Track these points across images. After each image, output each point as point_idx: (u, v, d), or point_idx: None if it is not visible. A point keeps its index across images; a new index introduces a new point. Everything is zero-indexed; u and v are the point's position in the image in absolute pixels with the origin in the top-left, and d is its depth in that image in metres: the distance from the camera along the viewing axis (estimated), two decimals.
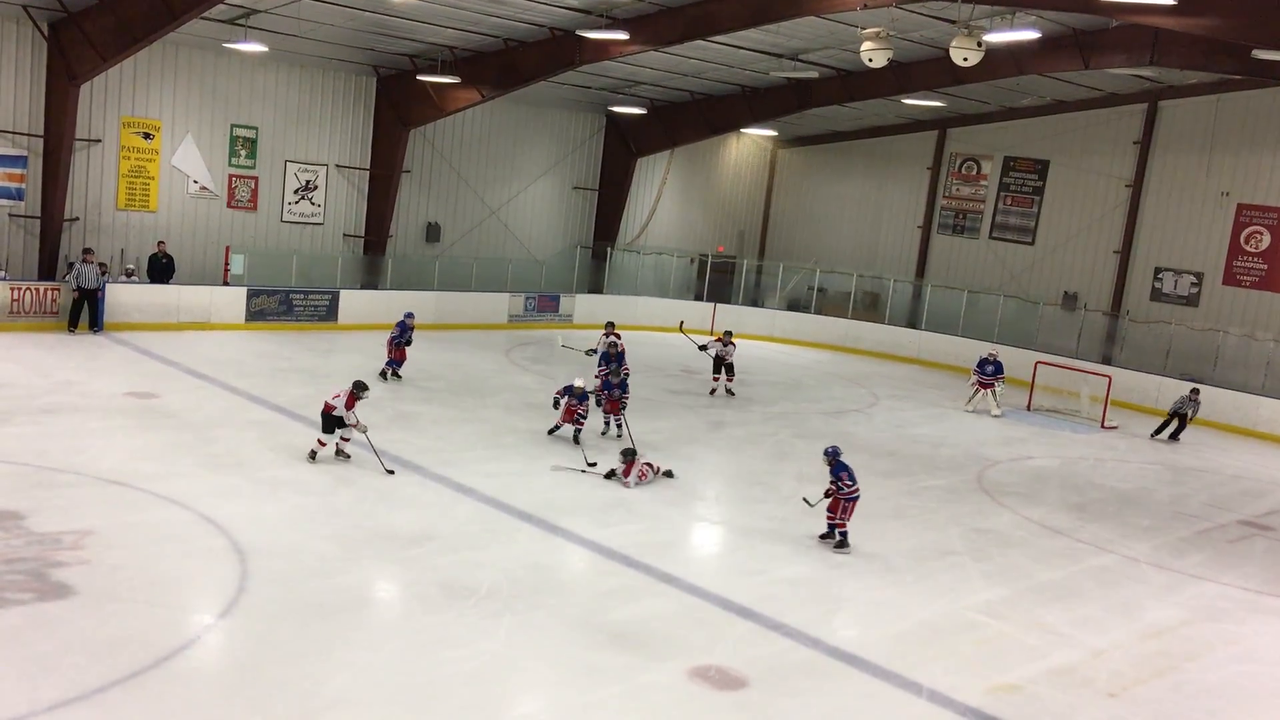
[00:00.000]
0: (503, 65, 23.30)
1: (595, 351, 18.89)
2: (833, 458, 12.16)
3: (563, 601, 9.98)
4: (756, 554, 11.95)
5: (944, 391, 23.45)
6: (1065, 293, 28.33)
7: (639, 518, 12.50)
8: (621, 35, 20.34)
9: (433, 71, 23.35)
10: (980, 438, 19.23)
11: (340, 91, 25.34)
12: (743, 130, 32.37)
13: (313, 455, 13.31)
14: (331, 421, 13.28)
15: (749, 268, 31.33)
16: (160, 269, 22.03)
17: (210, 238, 23.93)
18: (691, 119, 29.13)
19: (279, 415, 15.42)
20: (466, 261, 27.14)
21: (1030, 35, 18.34)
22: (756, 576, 11.23)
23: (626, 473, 13.62)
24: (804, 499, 12.72)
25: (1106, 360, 25.23)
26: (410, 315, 18.86)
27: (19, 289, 19.62)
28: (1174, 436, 20.70)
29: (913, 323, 28.78)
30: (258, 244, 24.36)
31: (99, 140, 22.08)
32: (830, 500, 12.11)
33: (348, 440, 13.46)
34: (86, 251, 20.39)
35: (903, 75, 24.39)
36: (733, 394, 20.44)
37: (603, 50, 21.48)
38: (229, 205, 24.23)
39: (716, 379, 20.60)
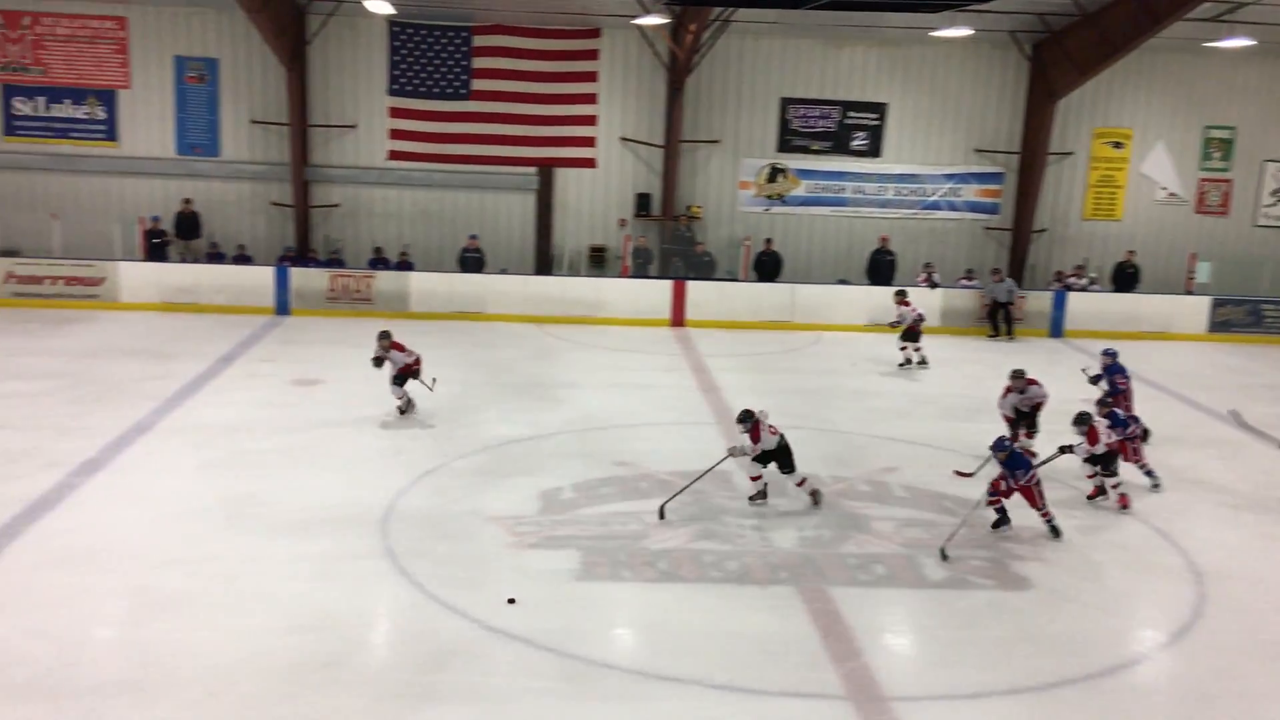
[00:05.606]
0: None
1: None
2: None
3: None
4: None
5: None
6: None
7: None
8: None
9: None
10: None
11: None
12: None
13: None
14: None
15: None
16: (1126, 279, 22.16)
17: (1175, 245, 23.23)
18: None
19: (1243, 436, 14.27)
20: None
21: None
22: None
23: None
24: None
25: None
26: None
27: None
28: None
29: None
30: (1225, 250, 22.91)
31: (1070, 153, 22.82)
32: None
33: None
34: (994, 272, 21.32)
35: None
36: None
37: None
38: (1197, 210, 23.26)
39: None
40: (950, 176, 23.01)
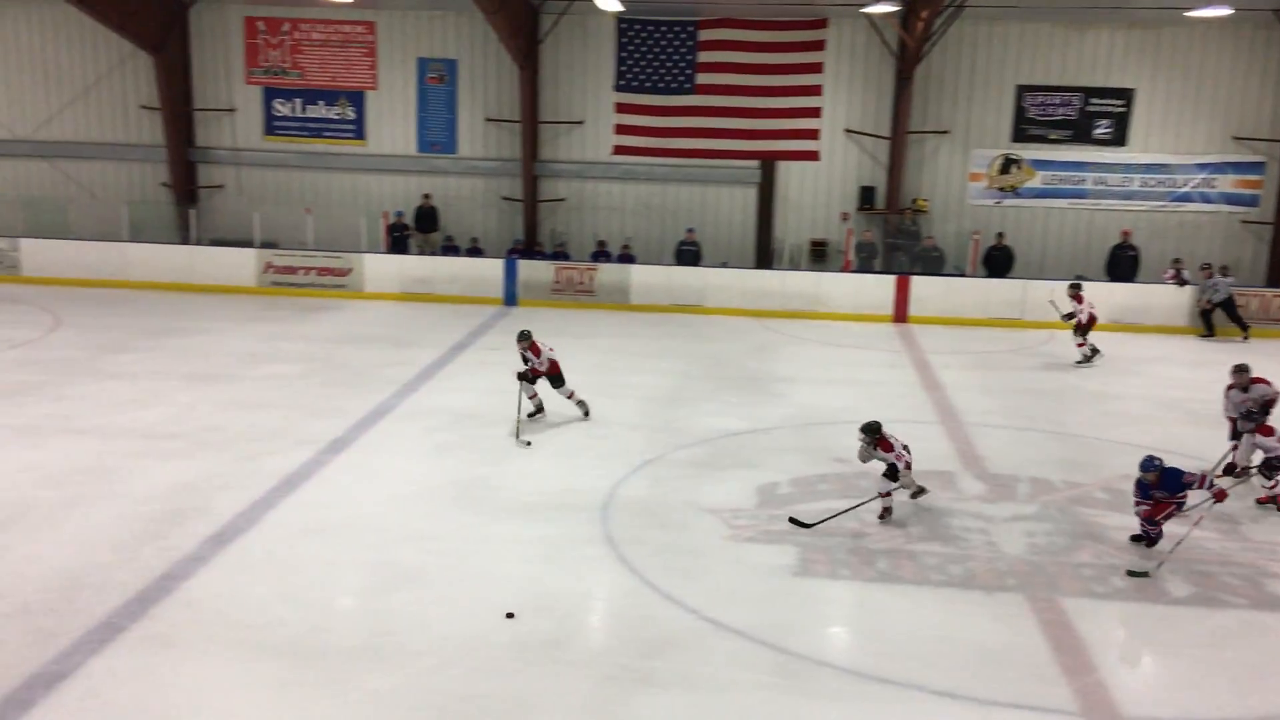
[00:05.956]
0: None
1: None
2: None
3: None
4: None
5: None
6: None
7: None
8: None
9: None
10: None
11: None
12: None
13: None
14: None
15: None
16: None
17: None
18: None
19: None
20: None
21: None
22: None
23: None
24: None
25: None
26: None
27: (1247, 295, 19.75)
28: None
29: None
30: None
31: None
32: None
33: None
34: (1203, 268, 19.70)
35: None
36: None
37: None
38: None
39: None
40: (1204, 166, 21.47)
